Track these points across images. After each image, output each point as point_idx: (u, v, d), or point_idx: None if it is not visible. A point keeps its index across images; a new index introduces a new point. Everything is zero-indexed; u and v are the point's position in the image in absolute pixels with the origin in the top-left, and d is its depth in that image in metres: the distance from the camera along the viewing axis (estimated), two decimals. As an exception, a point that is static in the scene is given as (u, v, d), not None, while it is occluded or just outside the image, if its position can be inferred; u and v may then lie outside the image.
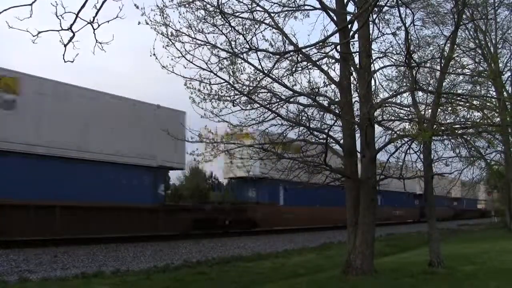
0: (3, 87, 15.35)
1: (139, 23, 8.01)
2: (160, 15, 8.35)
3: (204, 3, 8.69)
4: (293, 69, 9.61)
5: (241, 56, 8.82)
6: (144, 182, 19.53)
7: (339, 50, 9.77)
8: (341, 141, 10.48)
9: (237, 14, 9.02)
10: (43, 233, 15.97)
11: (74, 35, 5.34)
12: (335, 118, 10.38)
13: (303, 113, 9.93)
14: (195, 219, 21.76)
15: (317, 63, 9.75)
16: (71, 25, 5.28)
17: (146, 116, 19.14)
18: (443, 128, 10.05)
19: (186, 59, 8.48)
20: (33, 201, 15.53)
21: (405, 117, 10.46)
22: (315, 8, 10.33)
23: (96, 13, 5.34)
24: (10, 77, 15.54)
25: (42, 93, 16.23)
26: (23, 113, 15.73)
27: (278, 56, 9.01)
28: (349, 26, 9.96)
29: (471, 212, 57.44)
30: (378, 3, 8.80)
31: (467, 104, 10.24)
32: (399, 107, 10.64)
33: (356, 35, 10.12)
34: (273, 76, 9.38)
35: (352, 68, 10.21)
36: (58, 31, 5.25)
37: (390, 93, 10.98)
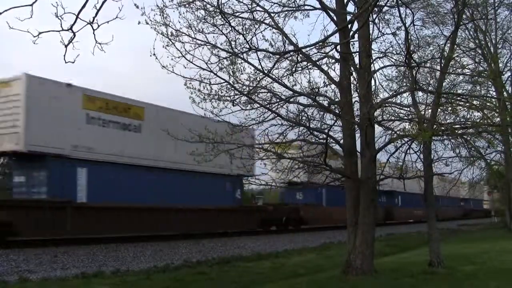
0: (133, 115, 19.56)
1: (139, 23, 8.02)
2: (160, 15, 8.35)
3: (204, 3, 8.69)
4: (293, 69, 9.61)
5: (241, 56, 8.82)
6: (225, 188, 23.98)
7: (339, 50, 9.77)
8: (341, 141, 10.48)
9: (237, 14, 9.02)
10: (163, 231, 20.64)
11: (74, 35, 5.34)
12: (335, 118, 10.38)
13: (303, 113, 9.93)
14: (262, 218, 26.71)
15: (317, 63, 9.74)
16: (72, 25, 5.28)
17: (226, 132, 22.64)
18: (443, 128, 10.06)
19: (186, 59, 8.49)
20: (156, 205, 20.02)
21: (405, 117, 10.47)
22: (315, 8, 10.32)
23: (96, 14, 5.34)
24: (137, 106, 19.87)
25: (156, 117, 19.86)
26: (146, 135, 19.63)
27: (278, 56, 9.01)
28: (349, 26, 9.96)
29: (477, 212, 60.37)
30: (378, 3, 8.80)
31: (467, 104, 10.25)
32: (399, 107, 10.65)
33: (356, 35, 10.12)
34: (273, 76, 9.38)
35: (352, 68, 10.20)
36: (58, 31, 5.25)
37: (390, 93, 10.98)
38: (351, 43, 10.37)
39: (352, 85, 10.30)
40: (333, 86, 10.07)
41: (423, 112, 10.76)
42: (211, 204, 22.61)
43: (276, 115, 9.72)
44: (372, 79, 10.20)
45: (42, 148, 16.40)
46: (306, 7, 10.36)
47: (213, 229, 22.91)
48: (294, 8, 10.25)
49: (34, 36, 5.12)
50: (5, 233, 15.49)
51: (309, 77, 9.97)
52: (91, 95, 18.22)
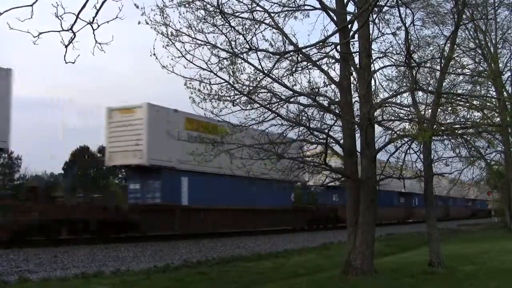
0: (219, 133, 20.58)
1: (139, 23, 8.00)
2: (160, 15, 8.33)
3: (204, 3, 8.68)
4: (293, 69, 9.60)
5: (241, 56, 8.81)
6: (284, 191, 26.61)
7: (339, 50, 9.77)
8: (341, 141, 10.48)
9: (237, 14, 9.01)
10: (239, 228, 24.95)
11: (74, 35, 5.33)
12: (335, 118, 10.38)
13: (303, 113, 9.93)
14: (310, 217, 30.94)
15: (317, 63, 9.74)
16: (72, 25, 5.27)
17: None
18: (443, 128, 10.06)
19: (186, 59, 8.48)
20: (237, 206, 24.14)
21: (405, 117, 10.47)
22: (315, 8, 10.32)
23: (96, 14, 5.33)
24: (220, 126, 21.59)
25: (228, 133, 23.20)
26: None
27: (278, 56, 9.00)
28: (349, 26, 9.96)
29: (483, 212, 63.13)
30: (378, 3, 8.79)
31: (467, 104, 10.25)
32: (399, 107, 10.64)
33: (356, 35, 10.12)
34: (273, 76, 9.37)
35: (352, 68, 10.21)
36: (59, 31, 5.24)
37: (390, 93, 10.98)
38: (351, 43, 10.37)
39: (352, 85, 10.30)
40: (333, 86, 10.07)
41: (423, 112, 10.76)
42: (275, 205, 26.99)
43: (276, 115, 9.72)
44: (372, 79, 10.20)
45: (158, 162, 20.59)
46: (306, 7, 10.36)
47: (275, 225, 27.89)
48: (294, 8, 10.25)
49: (34, 37, 5.11)
50: (134, 230, 19.81)
51: (309, 77, 9.97)
52: (190, 117, 20.92)
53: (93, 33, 5.46)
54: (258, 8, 9.17)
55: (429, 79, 11.96)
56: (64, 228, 17.74)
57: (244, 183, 22.70)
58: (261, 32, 9.14)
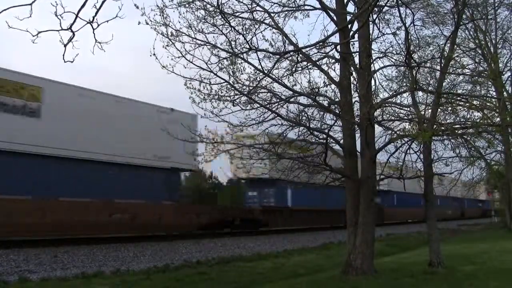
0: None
1: (139, 23, 8.00)
2: (160, 15, 8.34)
3: (204, 3, 8.69)
4: (293, 69, 9.61)
5: (241, 56, 8.82)
6: (337, 194, 31.70)
7: (339, 50, 9.77)
8: (341, 141, 10.48)
9: (237, 14, 9.02)
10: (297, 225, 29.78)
11: (74, 35, 5.33)
12: (335, 118, 10.39)
13: (303, 113, 9.93)
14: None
15: (317, 63, 9.74)
16: (71, 25, 5.27)
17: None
18: (443, 128, 10.05)
19: (186, 59, 8.48)
20: (318, 207, 29.71)
21: (405, 117, 10.47)
22: (315, 8, 10.33)
23: (96, 13, 5.33)
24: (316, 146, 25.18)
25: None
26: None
27: (278, 56, 9.01)
28: (349, 26, 9.97)
29: (491, 212, 64.16)
30: (378, 3, 8.80)
31: (467, 104, 10.24)
32: (399, 107, 10.65)
33: (356, 35, 10.12)
34: (273, 76, 9.38)
35: (352, 68, 10.20)
36: (58, 31, 5.24)
37: (390, 93, 10.99)
38: (351, 43, 10.38)
39: (352, 85, 10.30)
40: (333, 86, 10.07)
41: (423, 112, 10.76)
42: (343, 206, 28.82)
43: (276, 115, 9.73)
44: (372, 79, 10.20)
45: (273, 174, 23.67)
46: (306, 7, 10.37)
47: (338, 223, 32.02)
48: (294, 8, 10.25)
49: (34, 36, 5.11)
50: (260, 226, 26.57)
51: (309, 77, 10.01)
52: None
53: (93, 32, 5.46)
54: (258, 8, 9.19)
55: (429, 79, 12.00)
56: (222, 225, 24.50)
57: (329, 191, 24.79)
58: (261, 32, 9.16)
